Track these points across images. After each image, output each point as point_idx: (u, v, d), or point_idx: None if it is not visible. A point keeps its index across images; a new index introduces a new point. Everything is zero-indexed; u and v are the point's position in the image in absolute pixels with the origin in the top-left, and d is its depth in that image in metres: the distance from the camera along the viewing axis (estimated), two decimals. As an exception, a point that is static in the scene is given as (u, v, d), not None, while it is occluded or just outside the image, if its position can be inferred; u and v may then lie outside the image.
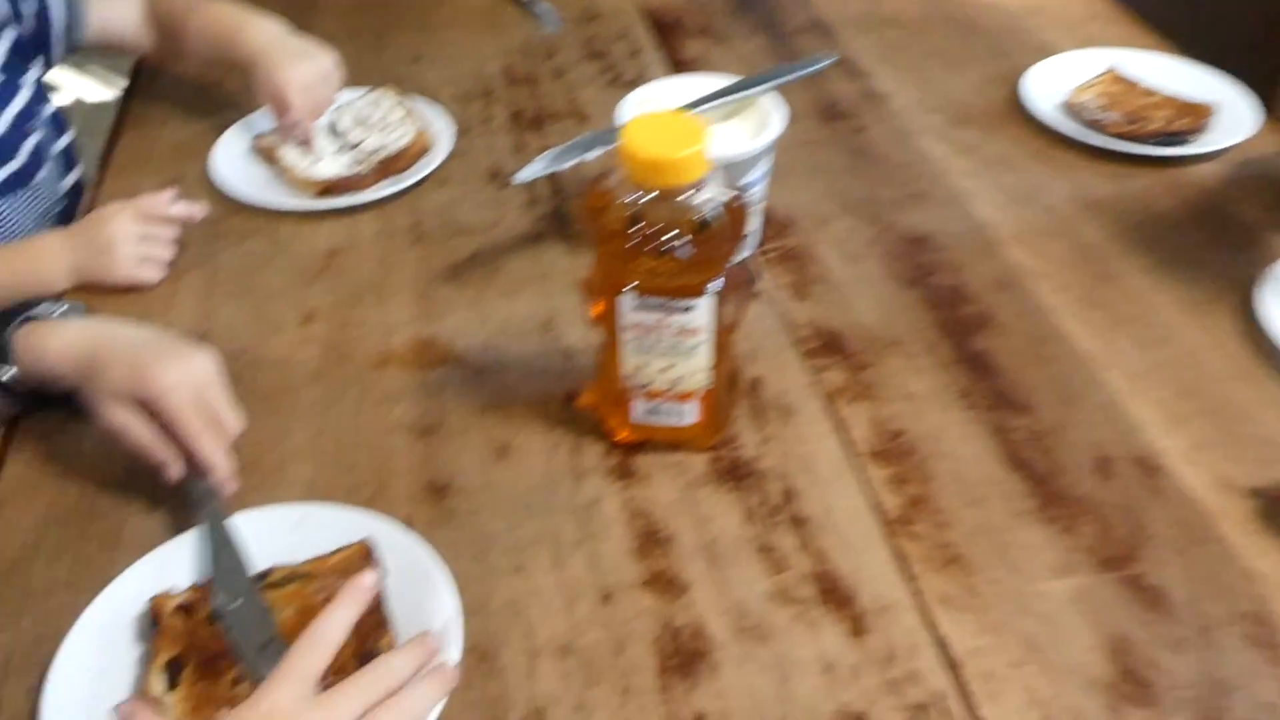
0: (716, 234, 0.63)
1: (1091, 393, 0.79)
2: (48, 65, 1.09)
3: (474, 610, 0.64)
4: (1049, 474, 0.73)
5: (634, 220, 0.63)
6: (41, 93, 1.05)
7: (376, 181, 1.00)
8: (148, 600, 0.63)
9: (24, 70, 1.04)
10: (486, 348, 0.83)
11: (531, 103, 1.15)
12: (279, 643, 0.61)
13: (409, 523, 0.68)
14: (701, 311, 0.66)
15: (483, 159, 1.06)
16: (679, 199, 0.62)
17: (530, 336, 0.85)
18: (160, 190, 0.91)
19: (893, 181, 1.02)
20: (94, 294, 0.87)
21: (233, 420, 0.71)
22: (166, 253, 0.89)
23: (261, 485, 0.72)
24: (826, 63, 0.92)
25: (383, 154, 1.01)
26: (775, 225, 0.96)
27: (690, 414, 0.72)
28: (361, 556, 0.65)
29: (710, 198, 0.63)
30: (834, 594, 0.66)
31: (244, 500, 0.70)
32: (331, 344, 0.84)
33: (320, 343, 0.84)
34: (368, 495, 0.72)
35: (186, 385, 0.69)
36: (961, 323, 0.86)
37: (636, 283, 0.65)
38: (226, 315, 0.87)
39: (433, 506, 0.71)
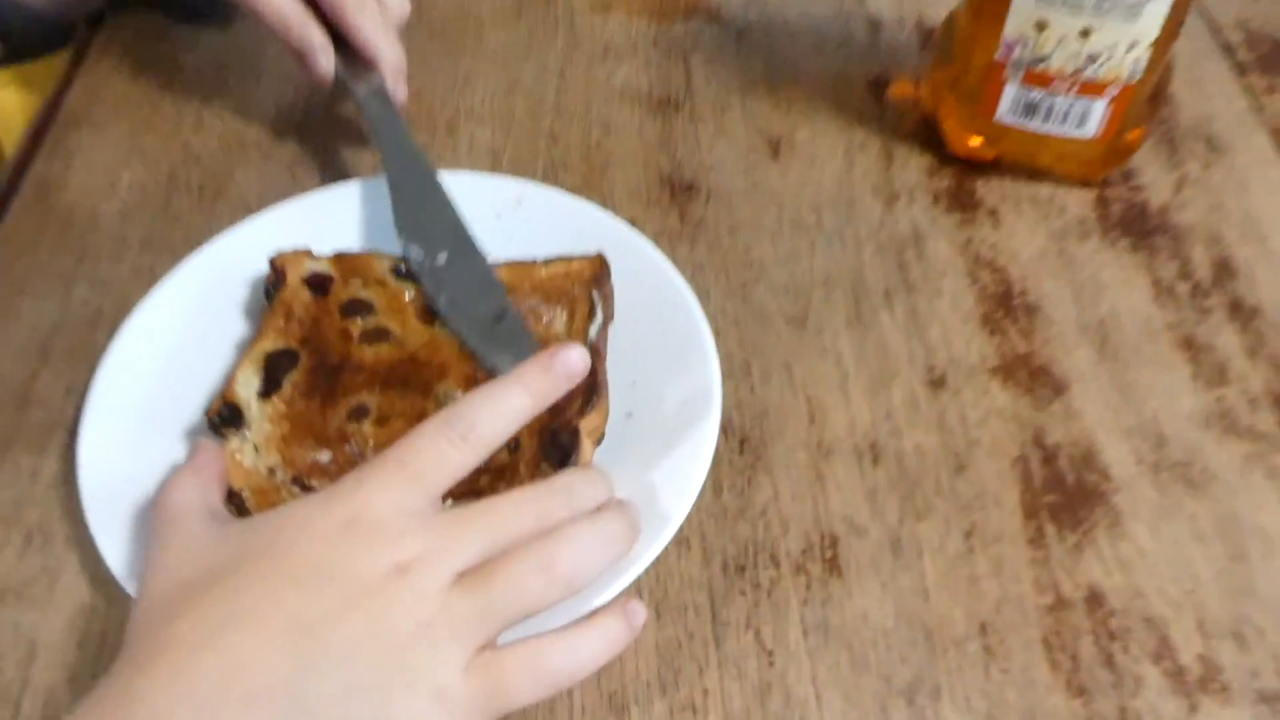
0: None
1: None
2: None
3: (732, 373, 0.41)
4: None
5: None
6: None
7: None
8: (268, 258, 0.42)
9: None
10: (752, 1, 0.57)
11: None
12: (514, 319, 0.39)
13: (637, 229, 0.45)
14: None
15: None
16: None
17: (823, -6, 0.58)
18: None
19: None
20: None
21: None
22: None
23: (429, 147, 0.49)
24: None
25: None
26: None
27: (1093, 119, 0.45)
28: (591, 276, 0.41)
29: None
30: (1308, 432, 0.40)
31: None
32: (536, -28, 0.59)
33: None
34: (575, 181, 0.48)
35: None
36: None
37: None
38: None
39: (671, 211, 0.47)
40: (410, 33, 0.49)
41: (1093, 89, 0.44)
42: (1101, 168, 0.48)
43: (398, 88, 0.47)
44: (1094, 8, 0.41)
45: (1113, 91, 0.44)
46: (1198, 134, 0.51)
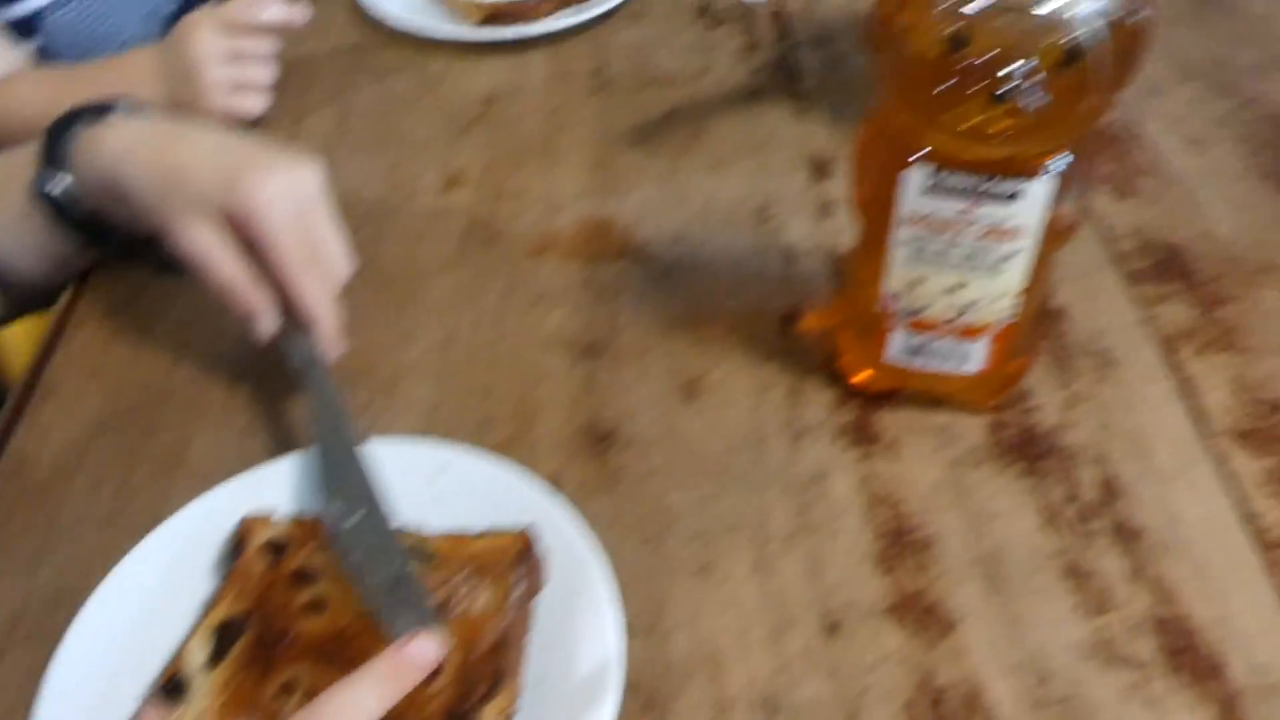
0: (1088, 74, 0.38)
1: None
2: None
3: (639, 629, 0.44)
4: None
5: (958, 43, 0.39)
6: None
7: (555, 10, 0.78)
8: (237, 521, 0.46)
9: None
10: (679, 239, 0.62)
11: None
12: (412, 585, 0.42)
13: (555, 483, 0.48)
14: (1031, 202, 0.42)
15: (689, -11, 0.82)
16: (1038, 9, 0.38)
17: (738, 228, 0.62)
18: None
19: (1254, 39, 0.73)
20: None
21: (341, 258, 0.52)
22: (265, 74, 0.69)
23: (370, 406, 0.53)
24: None
25: (565, -22, 0.79)
26: (1085, 91, 0.69)
27: (975, 358, 0.48)
28: (517, 553, 0.44)
29: (1090, 10, 0.38)
30: (1189, 656, 0.43)
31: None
32: (478, 218, 0.64)
33: (464, 215, 0.64)
34: (504, 436, 0.52)
35: (288, 200, 0.50)
36: (1369, 245, 0.58)
37: (930, 149, 0.42)
38: (355, 170, 0.67)
39: (590, 461, 0.51)
40: (357, 284, 0.53)
41: (971, 332, 0.48)
42: (991, 396, 0.51)
43: (332, 348, 0.51)
44: (962, 266, 0.45)
45: (990, 333, 0.48)
46: (1089, 349, 0.54)
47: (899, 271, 0.46)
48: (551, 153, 0.68)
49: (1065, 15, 0.37)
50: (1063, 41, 0.38)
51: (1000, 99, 0.38)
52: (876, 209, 0.45)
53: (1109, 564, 0.46)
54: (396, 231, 0.63)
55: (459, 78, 0.75)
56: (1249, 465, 0.49)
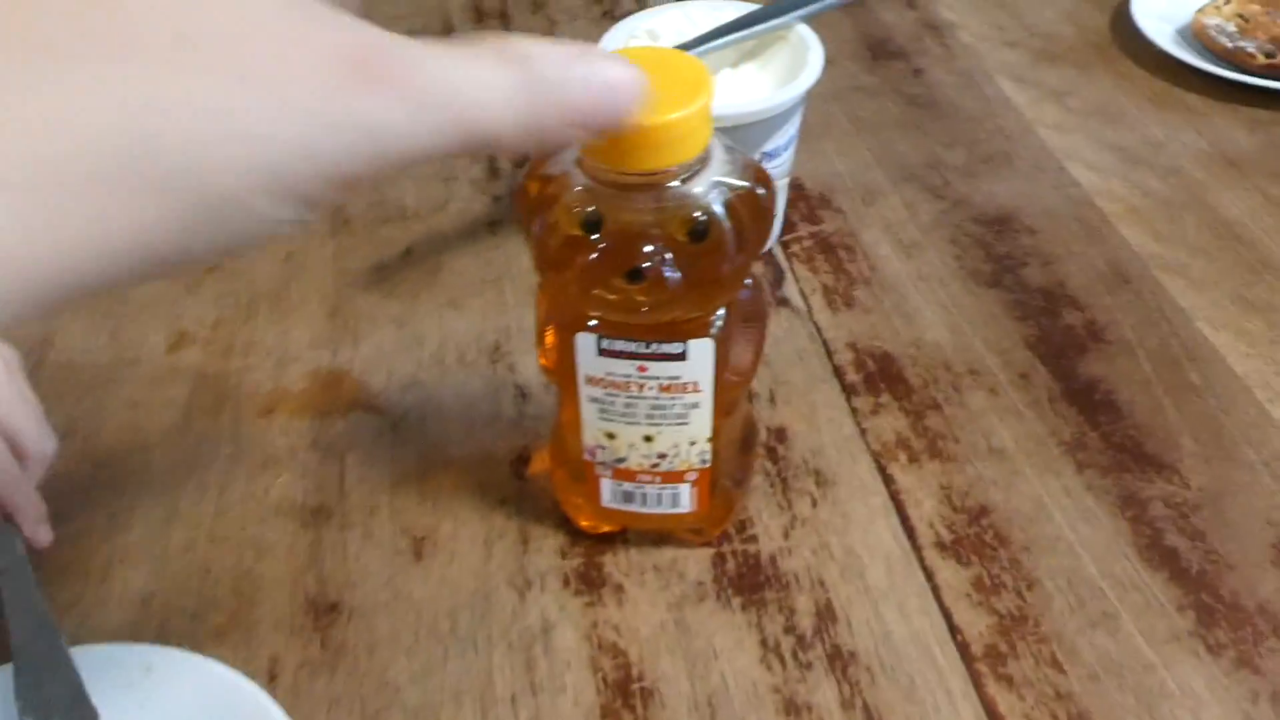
0: (722, 244, 0.40)
1: (1258, 437, 0.56)
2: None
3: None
4: (1208, 572, 0.50)
5: (591, 225, 0.40)
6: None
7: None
8: None
9: None
10: (411, 385, 0.61)
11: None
12: None
13: (273, 672, 0.47)
14: (698, 359, 0.43)
15: (433, 118, 0.83)
16: (666, 190, 0.39)
17: (473, 368, 0.62)
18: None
19: (962, 140, 0.78)
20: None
21: (41, 440, 0.50)
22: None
23: (78, 601, 0.51)
24: (876, -19, 0.67)
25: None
26: (805, 205, 0.72)
27: (683, 500, 0.49)
28: None
29: (715, 184, 0.40)
30: (895, 786, 0.44)
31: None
32: (205, 379, 0.62)
33: (191, 377, 0.62)
34: (222, 620, 0.50)
35: None
36: (1065, 338, 0.62)
37: (595, 320, 0.43)
38: (75, 339, 0.65)
39: (314, 639, 0.49)
40: (74, 464, 0.51)
41: (673, 478, 0.48)
42: (711, 529, 0.52)
43: (38, 535, 0.49)
44: (649, 420, 0.46)
45: (692, 476, 0.48)
46: (809, 468, 0.56)
47: (591, 428, 0.46)
48: (285, 302, 0.67)
49: (690, 195, 0.39)
50: (692, 218, 0.39)
51: (636, 277, 0.39)
52: (562, 369, 0.45)
53: (825, 694, 0.47)
54: (118, 401, 0.61)
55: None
56: (954, 577, 0.51)
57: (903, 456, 0.56)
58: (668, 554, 0.52)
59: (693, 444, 0.47)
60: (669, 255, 0.39)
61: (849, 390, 0.60)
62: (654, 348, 0.43)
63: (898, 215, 0.71)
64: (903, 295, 0.65)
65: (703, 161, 0.40)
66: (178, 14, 0.23)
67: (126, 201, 0.22)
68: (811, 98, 0.63)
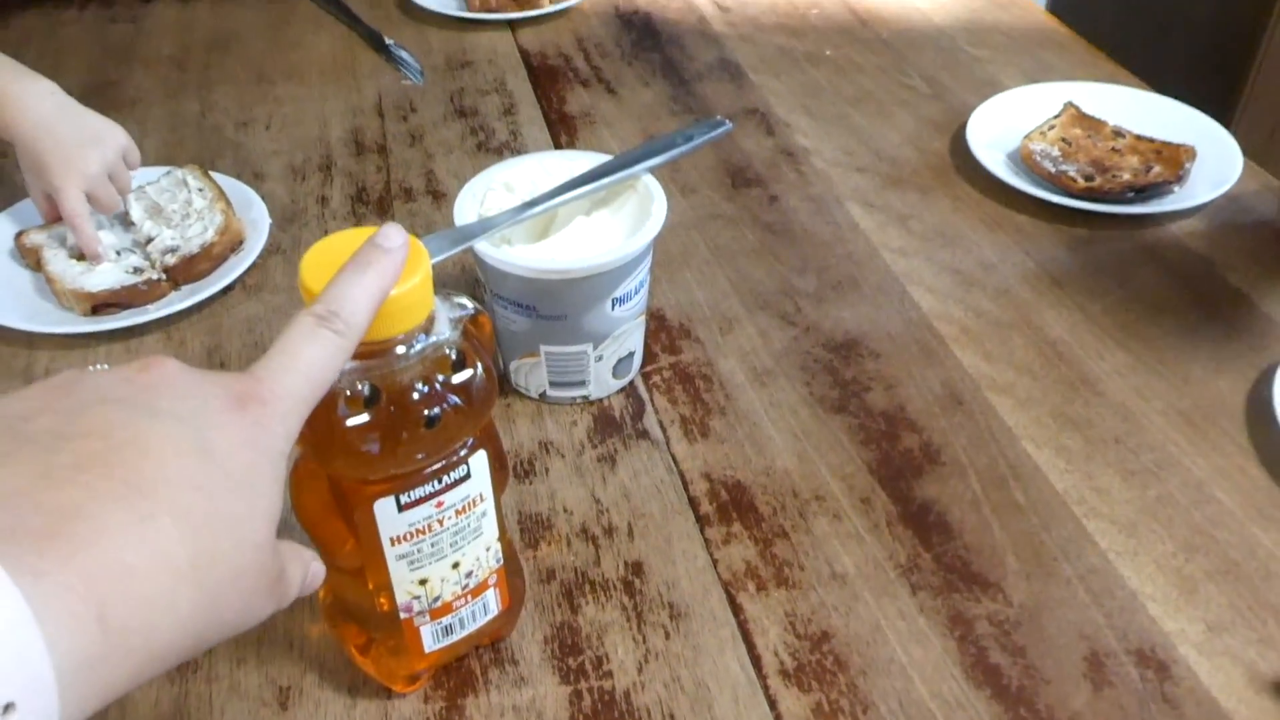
0: (480, 363, 0.46)
1: (1074, 552, 0.61)
2: None
3: None
4: (1026, 688, 0.55)
5: (372, 399, 0.43)
6: None
7: (168, 292, 0.80)
8: None
9: None
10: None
11: (379, 177, 0.95)
12: None
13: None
14: (479, 471, 0.49)
15: (310, 254, 0.85)
16: (414, 343, 0.44)
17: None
18: None
19: (813, 265, 0.83)
20: None
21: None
22: None
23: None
24: (720, 131, 0.72)
25: (179, 254, 0.81)
26: (667, 335, 0.77)
27: (490, 605, 0.53)
28: None
29: (449, 321, 0.46)
30: None
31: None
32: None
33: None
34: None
35: None
36: (903, 461, 0.67)
37: (386, 481, 0.46)
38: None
39: (176, 799, 0.51)
40: None
41: (480, 589, 0.52)
42: (510, 625, 0.56)
43: None
44: (453, 546, 0.49)
45: (493, 579, 0.52)
46: (663, 601, 0.59)
47: (403, 586, 0.49)
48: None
49: (434, 338, 0.44)
50: (445, 356, 0.45)
51: (433, 422, 0.44)
52: (356, 546, 0.48)
53: (672, 828, 0.49)
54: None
55: (67, 373, 0.74)
56: (796, 704, 0.54)
57: (751, 585, 0.60)
58: (526, 693, 0.55)
59: (488, 549, 0.51)
60: (449, 395, 0.44)
61: (703, 521, 0.63)
62: (445, 479, 0.47)
63: (752, 343, 0.76)
64: (755, 424, 0.70)
65: (428, 324, 0.45)
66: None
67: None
68: (674, 226, 0.67)
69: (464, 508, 0.48)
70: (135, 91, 1.07)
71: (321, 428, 0.43)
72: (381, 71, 1.12)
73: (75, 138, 0.81)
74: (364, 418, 0.43)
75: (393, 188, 0.93)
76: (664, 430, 0.69)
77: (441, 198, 0.92)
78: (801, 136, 0.99)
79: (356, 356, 0.42)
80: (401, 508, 0.46)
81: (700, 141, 0.71)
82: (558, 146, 0.98)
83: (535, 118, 1.03)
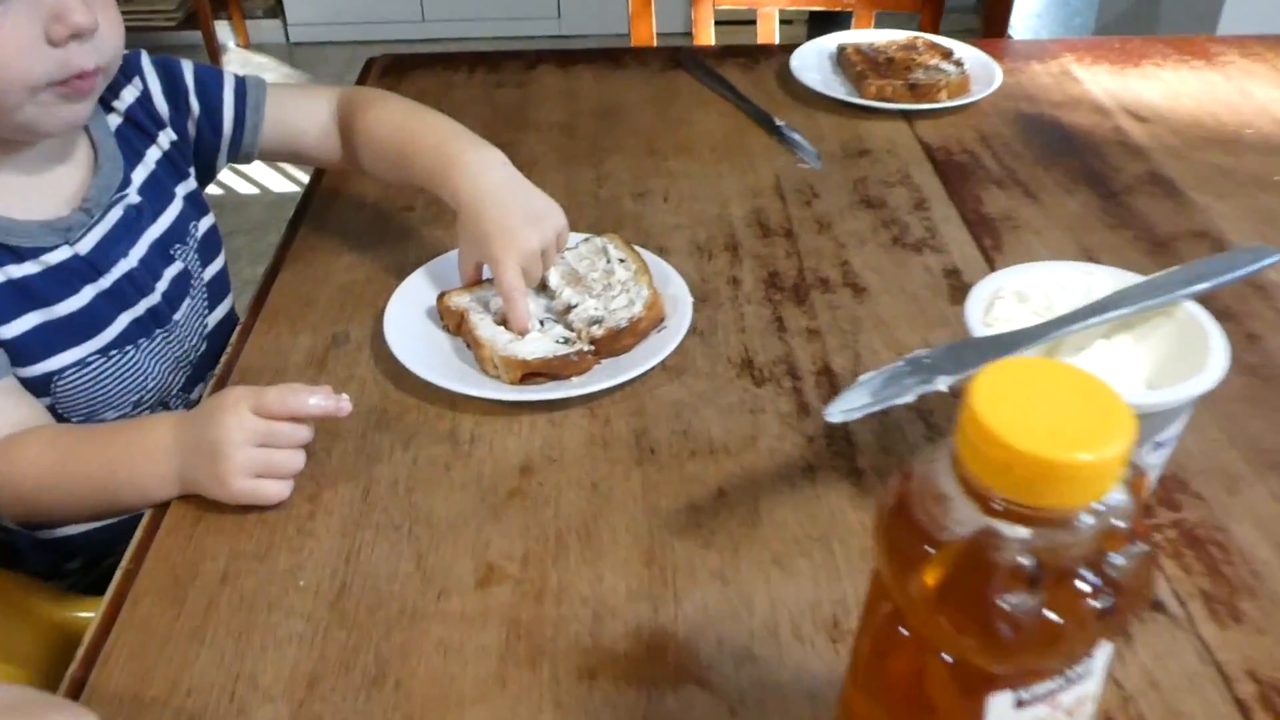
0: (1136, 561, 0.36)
1: None
2: (206, 178, 0.90)
3: None
4: None
5: (1034, 576, 0.34)
6: (195, 207, 0.86)
7: (593, 364, 0.75)
8: None
9: (178, 181, 0.84)
10: (745, 660, 0.55)
11: (790, 263, 0.88)
12: None
13: None
14: (1099, 666, 0.39)
15: (731, 339, 0.79)
16: (1082, 525, 0.35)
17: (811, 646, 0.56)
18: (306, 379, 0.68)
19: (1328, 423, 0.71)
20: (203, 506, 0.64)
21: None
22: (295, 461, 0.65)
23: None
24: (1268, 262, 0.62)
25: (605, 326, 0.76)
26: (1160, 485, 0.66)
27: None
28: None
29: (1115, 497, 0.36)
30: None
31: None
32: (519, 624, 0.57)
33: (503, 621, 0.58)
34: None
35: None
36: None
37: (1013, 680, 0.37)
38: (379, 560, 0.61)
39: None
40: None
41: None
42: None
43: None
44: None
45: None
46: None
47: None
48: (596, 539, 0.62)
49: (1110, 503, 0.35)
50: (1117, 529, 0.36)
51: (1105, 614, 0.35)
52: None
53: None
54: (429, 642, 0.56)
55: (492, 442, 0.70)
56: None
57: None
58: None
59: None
60: (1115, 577, 0.35)
61: (1238, 706, 0.52)
62: (1069, 675, 0.38)
63: (1269, 508, 0.64)
64: (1296, 612, 0.58)
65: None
66: None
67: None
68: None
69: (1073, 707, 0.39)
70: (529, 155, 1.05)
71: (969, 599, 0.35)
72: (774, 153, 1.06)
73: (520, 213, 0.78)
74: (1025, 598, 0.35)
75: (807, 275, 0.86)
76: (1183, 605, 0.58)
77: (862, 291, 0.84)
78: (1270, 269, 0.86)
79: (1027, 523, 0.34)
80: (1020, 704, 0.37)
81: (1247, 271, 0.61)
82: (981, 250, 0.89)
83: (950, 216, 0.95)
